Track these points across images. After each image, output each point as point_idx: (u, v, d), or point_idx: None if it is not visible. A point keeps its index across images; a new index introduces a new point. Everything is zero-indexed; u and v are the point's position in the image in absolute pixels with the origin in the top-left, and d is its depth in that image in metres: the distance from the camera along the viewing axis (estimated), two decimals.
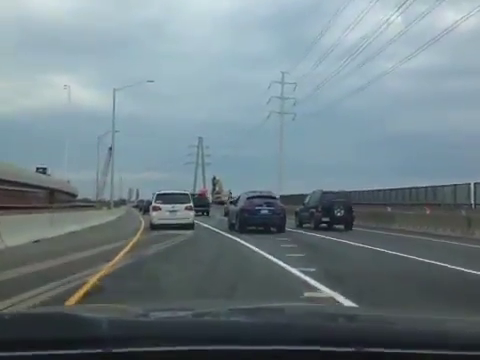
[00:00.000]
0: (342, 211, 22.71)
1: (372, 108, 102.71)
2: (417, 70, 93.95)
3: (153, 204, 23.09)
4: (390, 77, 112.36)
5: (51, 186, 46.74)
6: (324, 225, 23.04)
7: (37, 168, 53.69)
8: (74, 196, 63.96)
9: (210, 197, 62.28)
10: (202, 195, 51.94)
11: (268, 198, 22.08)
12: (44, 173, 53.73)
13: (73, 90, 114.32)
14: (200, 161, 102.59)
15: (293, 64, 59.11)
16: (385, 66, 79.09)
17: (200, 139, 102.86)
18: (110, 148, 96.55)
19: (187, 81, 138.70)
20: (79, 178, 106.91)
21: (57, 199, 47.39)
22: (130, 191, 66.38)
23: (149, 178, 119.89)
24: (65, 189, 56.32)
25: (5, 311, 2.66)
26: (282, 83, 60.43)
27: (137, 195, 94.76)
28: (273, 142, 67.79)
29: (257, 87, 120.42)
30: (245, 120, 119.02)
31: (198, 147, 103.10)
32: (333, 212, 22.63)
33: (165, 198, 22.93)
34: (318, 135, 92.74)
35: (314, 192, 24.95)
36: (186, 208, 22.48)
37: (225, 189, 64.85)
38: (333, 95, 71.74)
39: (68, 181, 61.00)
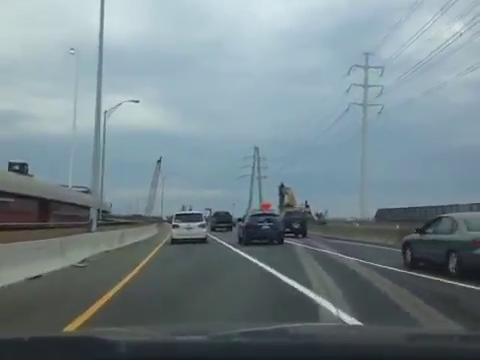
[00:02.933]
0: (298, 224, 34.70)
1: (434, 122, 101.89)
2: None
3: (173, 223, 28.10)
4: (452, 89, 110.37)
5: (44, 196, 31.52)
6: (291, 235, 34.78)
7: (10, 164, 36.48)
8: (105, 212, 52.70)
9: (277, 211, 45.76)
10: (266, 207, 47.35)
11: (269, 215, 27.92)
12: (22, 172, 35.39)
13: (135, 108, 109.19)
14: (256, 174, 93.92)
15: (354, 77, 53.42)
16: (446, 77, 79.89)
17: (256, 149, 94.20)
18: (158, 160, 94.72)
19: (245, 98, 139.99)
20: (135, 195, 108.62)
21: (55, 214, 33.56)
22: (183, 208, 59.11)
23: (204, 195, 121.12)
24: (75, 201, 38.39)
25: (24, 335, 2.01)
26: (366, 67, 51.23)
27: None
28: (336, 156, 67.65)
29: (316, 102, 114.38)
30: (304, 134, 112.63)
31: (254, 157, 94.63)
32: (292, 225, 34.53)
33: (182, 218, 28.12)
34: (380, 150, 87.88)
35: (281, 212, 37.28)
36: (199, 226, 27.20)
37: (298, 200, 52.68)
38: (394, 107, 63.69)
39: (87, 190, 42.24)
